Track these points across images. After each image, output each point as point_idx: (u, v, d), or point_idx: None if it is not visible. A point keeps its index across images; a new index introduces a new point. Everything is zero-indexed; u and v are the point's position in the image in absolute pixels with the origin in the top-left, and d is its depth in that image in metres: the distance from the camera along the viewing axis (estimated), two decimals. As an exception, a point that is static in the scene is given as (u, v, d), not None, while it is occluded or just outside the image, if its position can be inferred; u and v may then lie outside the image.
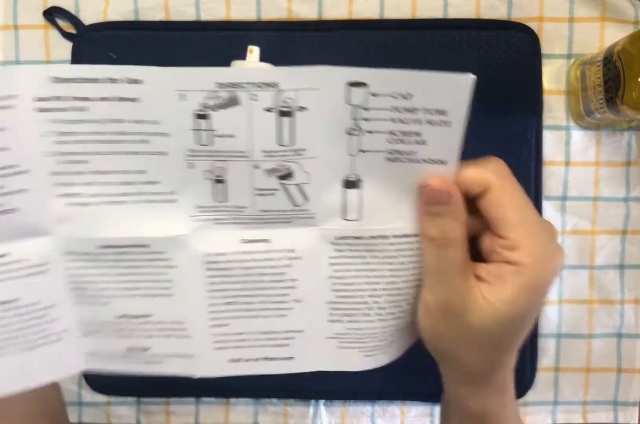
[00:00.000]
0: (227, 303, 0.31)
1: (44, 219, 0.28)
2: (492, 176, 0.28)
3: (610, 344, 0.48)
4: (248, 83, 0.26)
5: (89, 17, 0.47)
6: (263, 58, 0.44)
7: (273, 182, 0.28)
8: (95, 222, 0.29)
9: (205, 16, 0.47)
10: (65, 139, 0.27)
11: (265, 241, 0.30)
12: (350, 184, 0.28)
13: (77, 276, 0.29)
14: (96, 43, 0.47)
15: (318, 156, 0.28)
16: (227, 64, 0.44)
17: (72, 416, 0.49)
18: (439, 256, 0.28)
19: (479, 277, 0.28)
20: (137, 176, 0.28)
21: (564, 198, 0.47)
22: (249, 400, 0.49)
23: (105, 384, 0.49)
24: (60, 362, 0.31)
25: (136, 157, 0.27)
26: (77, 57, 0.47)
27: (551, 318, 0.47)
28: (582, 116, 0.45)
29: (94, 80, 0.26)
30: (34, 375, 0.30)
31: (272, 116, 0.27)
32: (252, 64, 0.43)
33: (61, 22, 0.47)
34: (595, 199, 0.47)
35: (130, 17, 0.47)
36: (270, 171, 0.28)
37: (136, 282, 0.30)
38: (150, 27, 0.47)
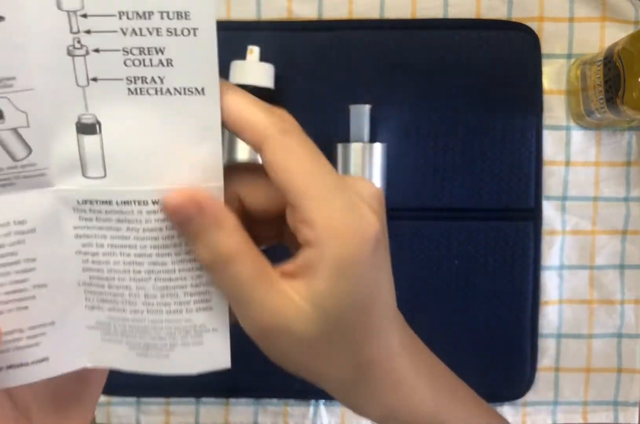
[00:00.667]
0: None
1: None
2: (270, 127, 0.22)
3: (610, 344, 0.48)
4: None
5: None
6: (263, 58, 0.44)
7: None
8: None
9: (205, 16, 0.47)
10: None
11: None
12: (85, 128, 0.22)
13: None
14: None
15: (35, 86, 0.21)
16: (227, 64, 0.44)
17: (72, 416, 0.49)
18: (224, 279, 0.22)
19: (290, 275, 0.22)
20: None
21: (564, 198, 0.47)
22: (249, 400, 0.49)
23: (105, 384, 0.49)
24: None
25: None
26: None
27: (551, 318, 0.47)
28: (582, 116, 0.45)
29: None
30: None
31: None
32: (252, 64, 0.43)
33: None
34: (595, 199, 0.47)
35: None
36: None
37: None
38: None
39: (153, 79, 0.22)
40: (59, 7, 0.20)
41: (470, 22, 0.46)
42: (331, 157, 0.45)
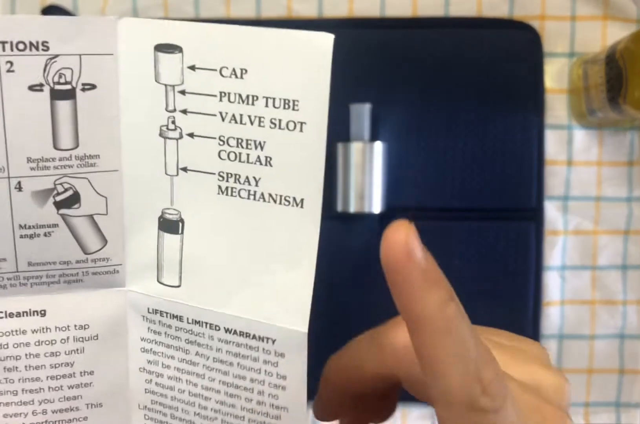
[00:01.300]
0: None
1: None
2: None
3: (612, 345, 0.47)
4: None
5: (87, 15, 0.47)
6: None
7: (48, 213, 0.18)
8: None
9: (204, 14, 0.47)
10: None
11: (38, 313, 0.19)
12: (168, 225, 0.19)
13: None
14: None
15: (121, 168, 0.19)
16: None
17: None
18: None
19: None
20: None
21: (565, 198, 0.47)
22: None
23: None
24: None
25: None
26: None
27: (553, 318, 0.47)
28: (584, 115, 0.45)
29: None
30: None
31: (43, 98, 0.17)
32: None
33: (59, 21, 0.47)
34: (597, 199, 0.47)
35: (129, 16, 0.47)
36: (42, 194, 0.18)
37: None
38: (149, 26, 0.46)
39: (247, 179, 0.18)
40: (157, 79, 0.18)
41: (472, 21, 0.46)
42: (331, 157, 0.44)
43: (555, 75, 0.46)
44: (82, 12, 0.47)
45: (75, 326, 0.20)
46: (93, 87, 0.18)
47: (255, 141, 0.18)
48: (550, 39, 0.46)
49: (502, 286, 0.46)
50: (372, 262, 0.41)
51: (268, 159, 0.18)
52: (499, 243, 0.46)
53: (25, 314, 0.19)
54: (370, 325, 0.23)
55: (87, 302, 0.20)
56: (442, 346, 0.18)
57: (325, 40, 0.17)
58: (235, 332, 0.19)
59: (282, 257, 0.19)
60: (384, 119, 0.45)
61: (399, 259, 0.17)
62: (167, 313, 0.20)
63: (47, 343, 0.20)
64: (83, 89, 0.17)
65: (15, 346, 0.19)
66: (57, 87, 0.17)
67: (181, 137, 0.19)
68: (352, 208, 0.44)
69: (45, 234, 0.18)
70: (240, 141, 0.18)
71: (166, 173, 0.19)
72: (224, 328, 0.20)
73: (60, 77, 0.17)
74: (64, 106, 0.17)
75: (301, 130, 0.18)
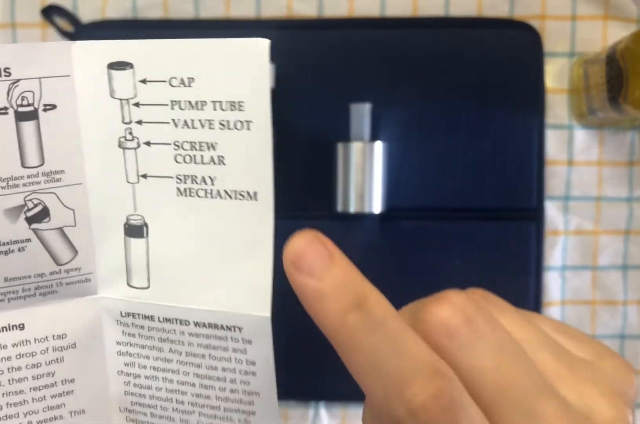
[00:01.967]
0: None
1: None
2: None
3: (613, 345, 0.47)
4: None
5: (87, 15, 0.47)
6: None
7: (20, 228, 0.19)
8: None
9: (204, 14, 0.47)
10: None
11: (17, 327, 0.20)
12: (133, 230, 0.20)
13: None
14: (94, 41, 0.46)
15: (84, 181, 0.20)
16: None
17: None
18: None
19: None
20: None
21: (566, 198, 0.47)
22: (249, 402, 0.49)
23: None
24: None
25: None
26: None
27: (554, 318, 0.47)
28: (584, 115, 0.45)
29: None
30: None
31: (8, 120, 0.18)
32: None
33: (59, 21, 0.47)
34: (598, 199, 0.47)
35: (129, 15, 0.47)
36: (14, 211, 0.19)
37: None
38: (149, 26, 0.46)
39: (203, 179, 0.20)
40: (112, 95, 0.19)
41: (472, 21, 0.46)
42: (331, 157, 0.44)
43: (555, 75, 0.46)
44: (82, 12, 0.47)
45: (54, 336, 0.20)
46: (53, 107, 0.19)
47: (207, 143, 0.19)
48: (551, 38, 0.46)
49: (502, 286, 0.46)
50: (372, 263, 0.41)
51: (221, 158, 0.19)
52: (499, 243, 0.46)
53: (4, 329, 0.19)
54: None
55: (63, 312, 0.20)
56: (353, 361, 0.16)
57: (262, 45, 0.18)
58: (204, 325, 0.20)
59: (242, 247, 0.20)
60: (384, 119, 0.45)
61: (290, 272, 0.16)
62: (139, 315, 0.21)
63: (27, 355, 0.20)
64: (44, 110, 0.18)
65: None
66: (21, 109, 0.18)
67: (139, 146, 0.20)
68: (352, 208, 0.44)
69: (19, 249, 0.19)
70: (193, 144, 0.19)
71: (128, 181, 0.20)
72: (194, 322, 0.20)
73: (22, 99, 0.18)
74: (28, 126, 0.18)
75: (248, 128, 0.19)
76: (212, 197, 0.20)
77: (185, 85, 0.19)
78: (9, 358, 0.20)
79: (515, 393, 0.16)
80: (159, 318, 0.21)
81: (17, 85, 0.18)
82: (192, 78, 0.19)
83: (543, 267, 0.46)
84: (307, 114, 0.45)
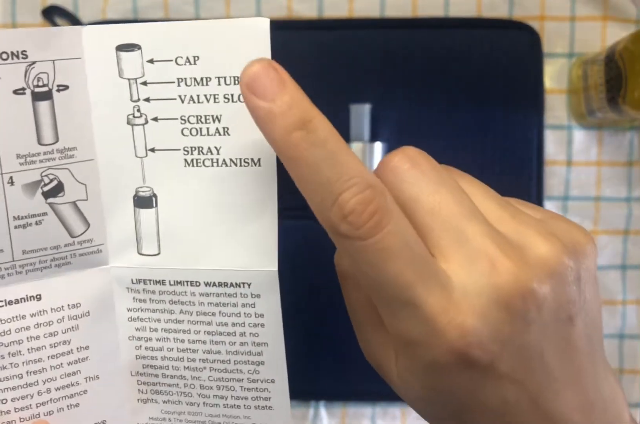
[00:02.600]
0: None
1: None
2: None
3: (612, 345, 0.47)
4: None
5: (87, 15, 0.47)
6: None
7: (37, 202, 0.20)
8: None
9: (204, 15, 0.47)
10: None
11: (34, 298, 0.21)
12: (142, 201, 0.21)
13: None
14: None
15: (95, 157, 0.21)
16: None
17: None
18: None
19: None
20: None
21: (565, 198, 0.47)
22: (249, 401, 0.49)
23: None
24: None
25: None
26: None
27: (552, 318, 0.47)
28: (583, 116, 0.45)
29: None
30: None
31: (25, 100, 0.20)
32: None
33: (60, 21, 0.47)
34: (597, 199, 0.47)
35: (129, 16, 0.47)
36: (31, 186, 0.20)
37: None
38: (149, 26, 0.47)
39: (209, 150, 0.21)
40: (121, 75, 0.20)
41: (471, 21, 0.46)
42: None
43: (555, 75, 0.46)
44: (83, 12, 0.47)
45: (69, 305, 0.22)
46: (66, 87, 0.20)
47: (212, 116, 0.21)
48: (550, 39, 0.46)
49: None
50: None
51: (225, 129, 0.21)
52: (499, 243, 0.46)
53: (23, 300, 0.21)
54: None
55: (77, 283, 0.22)
56: (296, 172, 0.18)
57: (262, 23, 0.20)
58: (214, 284, 0.22)
59: (248, 210, 0.21)
60: (384, 119, 0.45)
61: (244, 94, 0.17)
62: (150, 280, 0.22)
63: (45, 324, 0.21)
64: (58, 90, 0.20)
65: (17, 330, 0.21)
66: (37, 89, 0.19)
67: (146, 122, 0.21)
68: (352, 208, 0.44)
69: (36, 223, 0.21)
70: (199, 117, 0.21)
71: (136, 156, 0.21)
72: (204, 282, 0.22)
73: (38, 80, 0.19)
74: (43, 106, 0.20)
75: None
76: (218, 166, 0.21)
77: (190, 64, 0.20)
78: (27, 328, 0.21)
79: (446, 216, 0.19)
80: (169, 282, 0.22)
81: (33, 67, 0.19)
82: (197, 56, 0.20)
83: (542, 267, 0.46)
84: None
